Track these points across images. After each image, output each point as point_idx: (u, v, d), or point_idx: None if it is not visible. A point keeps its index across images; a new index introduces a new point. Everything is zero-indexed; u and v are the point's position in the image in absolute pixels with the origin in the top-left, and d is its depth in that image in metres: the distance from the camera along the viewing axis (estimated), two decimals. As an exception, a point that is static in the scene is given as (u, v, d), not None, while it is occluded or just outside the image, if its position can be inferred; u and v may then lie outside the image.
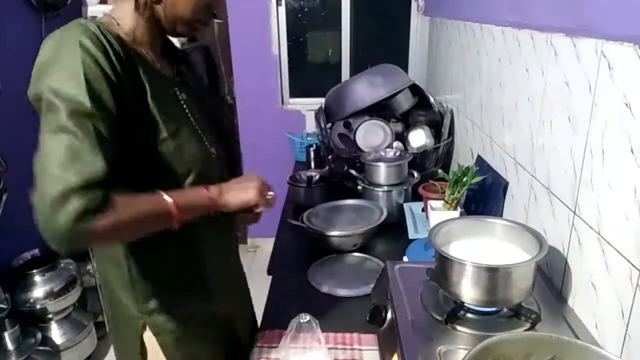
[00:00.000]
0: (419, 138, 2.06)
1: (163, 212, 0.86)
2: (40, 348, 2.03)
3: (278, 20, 3.12)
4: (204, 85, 1.21)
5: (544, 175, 1.20)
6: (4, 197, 1.96)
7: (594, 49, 0.96)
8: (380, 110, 2.23)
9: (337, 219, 1.64)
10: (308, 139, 2.65)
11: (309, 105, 3.12)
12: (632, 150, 0.84)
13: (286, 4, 3.12)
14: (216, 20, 3.05)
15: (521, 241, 1.03)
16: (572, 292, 1.05)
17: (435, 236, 1.03)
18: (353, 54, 3.21)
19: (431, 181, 1.70)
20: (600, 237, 0.94)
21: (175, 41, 1.15)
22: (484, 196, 1.57)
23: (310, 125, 3.01)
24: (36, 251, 2.23)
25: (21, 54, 2.32)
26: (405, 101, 2.20)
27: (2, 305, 1.91)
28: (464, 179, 1.48)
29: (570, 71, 1.06)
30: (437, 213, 1.50)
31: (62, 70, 0.79)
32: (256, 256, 3.28)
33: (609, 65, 0.91)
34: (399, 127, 2.17)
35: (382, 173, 1.76)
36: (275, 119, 3.23)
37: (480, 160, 1.70)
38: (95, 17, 0.95)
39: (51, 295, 2.12)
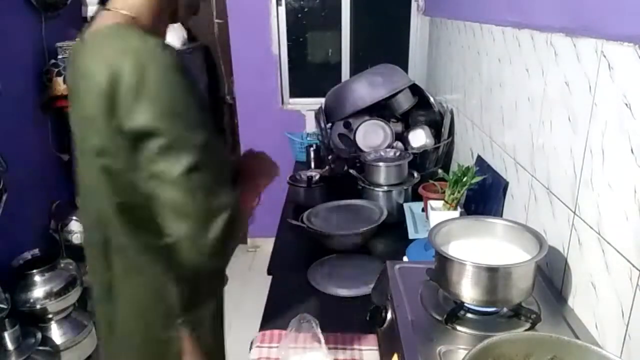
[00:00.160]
0: (419, 138, 2.06)
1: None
2: (40, 348, 2.03)
3: (278, 20, 3.12)
4: (202, 84, 1.22)
5: (544, 175, 1.20)
6: (4, 197, 1.96)
7: (594, 49, 0.96)
8: (380, 110, 2.23)
9: (337, 219, 1.64)
10: (308, 139, 2.65)
11: (309, 105, 3.12)
12: (632, 150, 0.84)
13: (286, 4, 3.12)
14: (216, 20, 3.06)
15: (521, 241, 1.03)
16: (572, 292, 1.05)
17: (435, 236, 1.03)
18: (353, 54, 3.21)
19: (431, 181, 1.70)
20: (600, 237, 0.94)
21: (176, 41, 1.15)
22: (484, 196, 1.57)
23: (310, 125, 3.00)
24: (36, 251, 2.23)
25: (21, 54, 2.33)
26: (405, 101, 2.20)
27: (2, 305, 1.91)
28: (464, 179, 1.48)
29: (570, 71, 1.06)
30: (437, 213, 1.50)
31: None
32: (256, 256, 3.28)
33: (609, 65, 0.91)
34: (399, 127, 2.17)
35: (382, 173, 1.76)
36: (275, 119, 3.23)
37: (480, 160, 1.70)
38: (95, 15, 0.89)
39: (51, 295, 2.12)
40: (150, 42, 0.78)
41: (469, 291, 0.93)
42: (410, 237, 1.57)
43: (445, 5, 2.38)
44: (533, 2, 1.30)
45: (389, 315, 1.02)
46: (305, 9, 3.20)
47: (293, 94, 3.31)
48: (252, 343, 1.18)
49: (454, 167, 2.05)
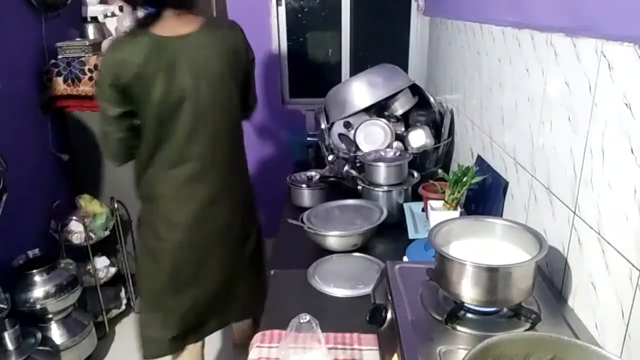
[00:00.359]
0: (419, 138, 2.06)
1: None
2: (40, 348, 2.03)
3: (278, 20, 3.11)
4: None
5: (544, 175, 1.20)
6: (4, 197, 1.96)
7: (594, 49, 0.96)
8: (380, 110, 2.23)
9: (337, 219, 1.64)
10: (308, 139, 2.65)
11: (309, 105, 3.12)
12: (632, 150, 0.84)
13: (286, 4, 3.11)
14: (216, 20, 3.06)
15: (521, 241, 1.03)
16: (572, 292, 1.05)
17: (435, 236, 1.03)
18: (353, 54, 3.21)
19: (431, 181, 1.70)
20: (600, 237, 0.94)
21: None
22: (484, 196, 1.57)
23: (310, 125, 3.00)
24: (36, 251, 2.23)
25: (21, 54, 2.33)
26: (405, 101, 2.20)
27: (2, 305, 1.91)
28: (464, 179, 1.48)
29: (570, 71, 1.06)
30: (437, 213, 1.50)
31: None
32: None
33: (609, 65, 0.91)
34: (399, 127, 2.17)
35: (382, 173, 1.76)
36: (275, 118, 3.23)
37: (480, 160, 1.70)
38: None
39: (51, 295, 2.12)
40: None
41: (469, 291, 0.93)
42: (410, 237, 1.57)
43: (445, 5, 2.38)
44: (533, 2, 1.30)
45: (389, 315, 1.02)
46: (305, 9, 3.19)
47: (293, 94, 3.31)
48: (252, 343, 1.18)
49: (454, 167, 2.06)
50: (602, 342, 0.93)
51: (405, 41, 3.18)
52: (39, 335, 2.05)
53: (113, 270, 2.62)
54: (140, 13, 1.54)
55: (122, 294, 2.68)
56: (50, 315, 2.18)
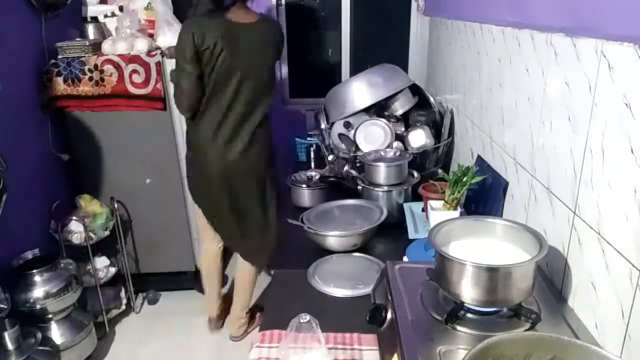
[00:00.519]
0: (419, 138, 2.06)
1: None
2: (40, 348, 2.03)
3: (278, 20, 3.12)
4: None
5: (544, 175, 1.20)
6: (4, 197, 1.96)
7: (594, 49, 0.96)
8: (380, 110, 2.23)
9: (337, 219, 1.64)
10: (308, 139, 2.65)
11: (309, 105, 3.12)
12: (632, 150, 0.84)
13: (286, 4, 3.12)
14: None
15: (521, 241, 1.03)
16: (572, 292, 1.05)
17: (435, 236, 1.03)
18: (353, 54, 3.21)
19: (431, 181, 1.70)
20: (600, 237, 0.94)
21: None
22: (484, 196, 1.57)
23: (310, 125, 3.00)
24: (36, 251, 2.23)
25: (21, 54, 2.32)
26: (405, 101, 2.20)
27: (2, 305, 1.90)
28: (464, 179, 1.48)
29: (570, 71, 1.06)
30: (437, 213, 1.50)
31: None
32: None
33: (609, 65, 0.91)
34: (399, 127, 2.17)
35: (382, 173, 1.76)
36: (276, 118, 3.22)
37: (480, 160, 1.70)
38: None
39: (51, 295, 2.12)
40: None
41: (469, 291, 0.93)
42: (410, 237, 1.57)
43: (445, 5, 2.38)
44: (533, 2, 1.30)
45: (389, 315, 1.02)
46: (306, 9, 3.20)
47: (293, 94, 3.31)
48: (252, 343, 1.18)
49: (454, 167, 2.06)
50: (602, 342, 0.93)
51: (405, 41, 3.19)
52: (39, 335, 2.05)
53: (113, 270, 2.62)
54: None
55: (122, 294, 2.68)
56: (50, 315, 2.18)
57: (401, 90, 2.19)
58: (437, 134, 2.08)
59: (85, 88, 2.42)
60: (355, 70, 3.09)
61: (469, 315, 0.96)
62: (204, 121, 2.07)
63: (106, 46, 2.44)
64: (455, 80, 2.13)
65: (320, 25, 3.27)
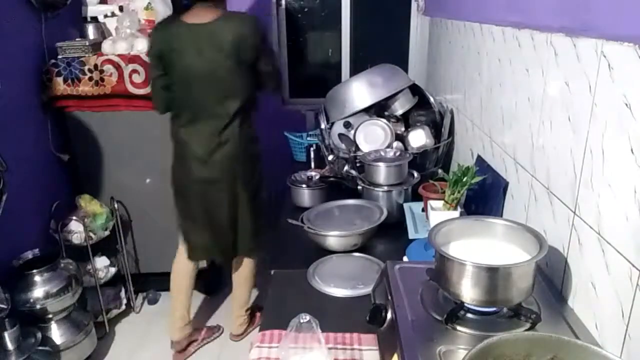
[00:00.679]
0: (419, 138, 2.06)
1: None
2: (40, 348, 2.03)
3: (278, 20, 3.12)
4: None
5: (544, 175, 1.20)
6: (4, 197, 1.96)
7: (594, 49, 0.96)
8: (380, 110, 2.23)
9: (337, 219, 1.64)
10: (308, 139, 2.65)
11: (309, 105, 3.12)
12: (632, 150, 0.84)
13: (286, 4, 3.12)
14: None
15: (521, 241, 1.03)
16: (572, 292, 1.05)
17: (435, 236, 1.03)
18: (353, 54, 3.21)
19: (431, 181, 1.70)
20: (600, 237, 0.94)
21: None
22: (484, 196, 1.57)
23: (310, 125, 3.00)
24: (36, 251, 2.23)
25: (21, 54, 2.33)
26: (405, 101, 2.20)
27: (2, 305, 1.90)
28: (464, 179, 1.48)
29: (570, 71, 1.06)
30: (437, 213, 1.50)
31: None
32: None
33: (609, 65, 0.91)
34: (399, 127, 2.17)
35: (382, 173, 1.76)
36: (276, 118, 3.23)
37: (480, 160, 1.70)
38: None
39: (51, 295, 2.12)
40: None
41: (469, 291, 0.93)
42: (410, 237, 1.57)
43: (445, 5, 2.38)
44: (533, 2, 1.30)
45: (389, 315, 1.02)
46: (305, 9, 3.20)
47: (293, 94, 3.31)
48: (252, 343, 1.18)
49: (454, 167, 2.05)
50: (602, 342, 0.93)
51: (405, 41, 3.19)
52: (39, 335, 2.05)
53: (113, 270, 2.62)
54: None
55: (122, 294, 2.68)
56: (50, 315, 2.18)
57: (401, 90, 2.19)
58: (437, 134, 2.08)
59: (85, 88, 2.42)
60: (355, 70, 3.09)
61: (469, 315, 0.96)
62: (178, 123, 2.10)
63: (106, 46, 2.44)
64: (455, 80, 2.13)
65: (320, 25, 3.27)
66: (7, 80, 2.15)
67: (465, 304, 0.95)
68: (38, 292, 2.11)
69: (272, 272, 1.47)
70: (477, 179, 1.49)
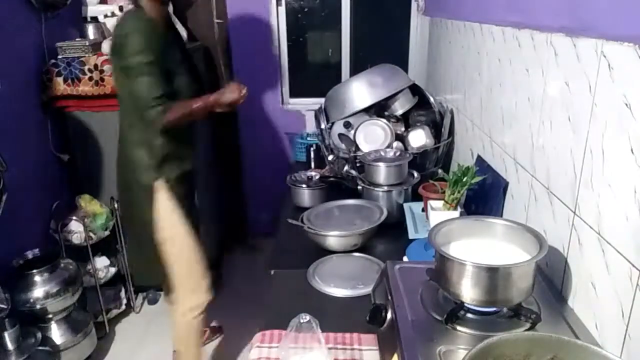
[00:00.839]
0: (419, 138, 2.06)
1: (202, 108, 1.74)
2: (40, 348, 2.03)
3: (278, 20, 3.12)
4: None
5: (544, 175, 1.20)
6: (4, 197, 1.96)
7: (594, 49, 0.96)
8: (380, 110, 2.23)
9: (337, 219, 1.64)
10: (308, 139, 2.65)
11: (309, 105, 3.12)
12: (632, 150, 0.84)
13: (286, 4, 3.12)
14: (216, 20, 3.06)
15: (521, 241, 1.03)
16: (572, 292, 1.05)
17: (435, 236, 1.03)
18: (353, 54, 3.21)
19: (431, 181, 1.70)
20: (600, 237, 0.94)
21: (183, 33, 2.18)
22: (484, 196, 1.57)
23: (310, 125, 3.00)
24: (36, 251, 2.23)
25: (21, 54, 2.32)
26: (405, 101, 2.20)
27: (2, 305, 1.91)
28: (464, 179, 1.48)
29: (570, 71, 1.06)
30: (437, 213, 1.50)
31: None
32: (256, 256, 3.28)
33: (609, 65, 0.91)
34: (399, 127, 2.17)
35: (382, 173, 1.76)
36: (275, 119, 3.23)
37: (480, 160, 1.70)
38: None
39: (51, 295, 2.12)
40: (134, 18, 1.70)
41: (469, 291, 0.93)
42: (410, 237, 1.57)
43: (445, 5, 2.38)
44: (533, 2, 1.30)
45: (389, 315, 1.02)
46: (305, 9, 3.20)
47: (293, 94, 3.31)
48: (252, 343, 1.18)
49: (454, 167, 2.05)
50: (602, 342, 0.93)
51: (405, 41, 3.18)
52: (39, 335, 2.05)
53: (113, 270, 2.62)
54: None
55: (122, 294, 2.68)
56: (50, 315, 2.18)
57: (401, 90, 2.19)
58: (437, 134, 2.08)
59: (85, 88, 2.42)
60: (355, 70, 3.09)
61: (469, 315, 0.96)
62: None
63: (106, 46, 2.44)
64: (455, 80, 2.13)
65: (320, 25, 3.27)
66: (7, 80, 2.15)
67: (465, 304, 0.95)
68: (38, 292, 2.11)
69: (272, 272, 1.47)
70: (477, 179, 1.49)
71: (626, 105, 0.85)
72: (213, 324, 2.60)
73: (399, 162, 1.79)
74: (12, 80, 2.21)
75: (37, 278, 2.12)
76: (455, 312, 0.94)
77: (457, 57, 2.11)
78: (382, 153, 1.89)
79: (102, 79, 2.40)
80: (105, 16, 2.65)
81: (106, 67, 2.38)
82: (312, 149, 2.35)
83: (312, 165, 2.31)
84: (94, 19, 2.63)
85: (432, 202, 1.55)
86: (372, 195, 1.75)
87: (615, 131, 0.89)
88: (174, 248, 1.85)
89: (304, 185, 1.94)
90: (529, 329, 0.92)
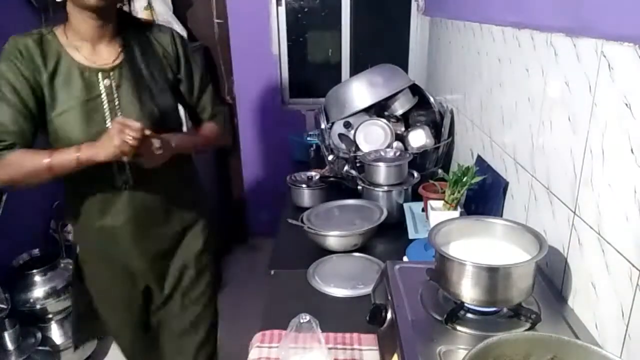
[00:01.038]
0: (419, 138, 2.06)
1: (41, 169, 1.20)
2: (40, 348, 2.03)
3: (278, 20, 3.12)
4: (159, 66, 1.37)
5: (544, 175, 1.20)
6: (4, 197, 1.96)
7: (594, 49, 0.96)
8: (380, 110, 2.23)
9: (337, 219, 1.64)
10: (308, 139, 2.65)
11: (309, 105, 3.12)
12: (632, 150, 0.84)
13: (286, 4, 3.12)
14: (216, 20, 3.06)
15: (521, 241, 1.03)
16: (572, 292, 1.05)
17: (435, 236, 1.03)
18: (353, 54, 3.21)
19: (431, 181, 1.70)
20: (600, 237, 0.94)
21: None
22: (484, 196, 1.57)
23: (310, 125, 3.00)
24: (36, 251, 2.23)
25: (21, 54, 2.32)
26: (405, 101, 2.20)
27: (2, 305, 1.91)
28: (464, 179, 1.48)
29: (570, 71, 1.06)
30: (437, 213, 1.50)
31: None
32: (256, 256, 3.28)
33: (609, 65, 0.91)
34: (399, 127, 2.17)
35: (382, 173, 1.76)
36: (275, 119, 3.23)
37: (480, 160, 1.70)
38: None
39: (51, 295, 2.12)
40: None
41: (469, 291, 0.93)
42: (410, 237, 1.57)
43: (445, 5, 2.38)
44: (533, 2, 1.30)
45: (389, 315, 1.02)
46: (305, 9, 3.20)
47: (293, 94, 3.31)
48: (252, 343, 1.18)
49: (454, 167, 2.05)
50: (602, 342, 0.93)
51: (405, 41, 3.18)
52: (39, 335, 2.05)
53: (113, 270, 2.62)
54: None
55: (122, 294, 2.68)
56: (50, 315, 2.18)
57: (401, 90, 2.19)
58: (437, 134, 2.08)
59: (85, 88, 2.41)
60: (355, 70, 3.09)
61: (469, 315, 0.96)
62: None
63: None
64: (455, 80, 2.13)
65: (320, 25, 3.27)
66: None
67: (465, 304, 0.95)
68: (38, 292, 2.11)
69: (272, 272, 1.47)
70: (477, 179, 1.49)
71: (626, 105, 0.85)
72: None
73: (399, 162, 1.79)
74: (12, 80, 2.21)
75: (37, 278, 2.12)
76: (455, 312, 0.94)
77: (457, 57, 2.10)
78: (382, 153, 1.89)
79: (102, 79, 2.40)
80: (105, 16, 2.65)
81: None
82: (312, 149, 2.34)
83: (312, 165, 2.30)
84: (94, 19, 2.63)
85: (432, 202, 1.55)
86: (372, 195, 1.75)
87: (615, 131, 0.89)
88: None
89: (304, 185, 1.94)
90: (529, 329, 0.92)
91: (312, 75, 3.35)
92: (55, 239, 2.39)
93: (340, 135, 2.15)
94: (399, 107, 2.20)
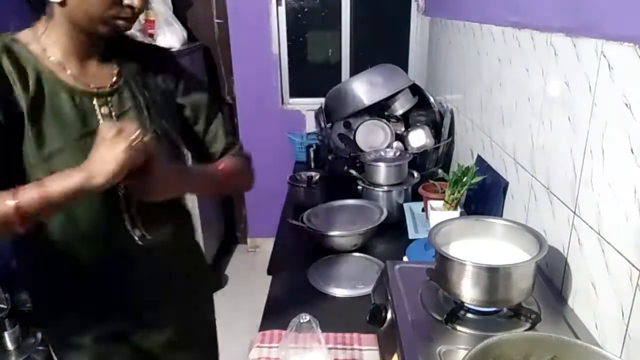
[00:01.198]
0: (419, 138, 2.06)
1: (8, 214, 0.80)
2: (40, 348, 2.03)
3: (278, 20, 3.12)
4: (169, 89, 1.09)
5: (544, 175, 1.20)
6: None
7: (594, 49, 0.96)
8: (380, 110, 2.23)
9: (337, 219, 1.64)
10: (308, 139, 2.65)
11: (309, 105, 3.12)
12: (632, 150, 0.84)
13: (286, 4, 3.11)
14: (216, 20, 3.06)
15: (521, 241, 1.03)
16: (572, 292, 1.05)
17: (435, 236, 1.03)
18: (353, 54, 3.21)
19: (431, 181, 1.70)
20: (600, 237, 0.94)
21: (176, 42, 1.14)
22: (484, 196, 1.57)
23: (310, 125, 3.00)
24: (36, 251, 2.23)
25: (21, 54, 2.33)
26: (405, 101, 2.20)
27: (2, 305, 1.91)
28: (464, 179, 1.48)
29: (570, 71, 1.06)
30: (437, 213, 1.50)
31: None
32: (256, 256, 3.28)
33: (609, 65, 0.91)
34: (399, 127, 2.17)
35: (382, 173, 1.76)
36: (275, 119, 3.23)
37: (480, 160, 1.70)
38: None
39: (51, 295, 2.12)
40: None
41: (469, 291, 0.93)
42: (410, 237, 1.57)
43: (445, 5, 2.38)
44: (533, 2, 1.30)
45: (389, 315, 1.02)
46: (305, 9, 3.19)
47: (293, 94, 3.31)
48: (252, 343, 1.18)
49: (454, 167, 2.05)
50: (602, 342, 0.93)
51: (405, 41, 3.18)
52: (39, 335, 2.05)
53: (113, 270, 2.61)
54: None
55: (122, 294, 2.68)
56: (50, 315, 2.18)
57: (401, 90, 2.19)
58: (437, 134, 2.08)
59: (85, 88, 2.41)
60: (355, 70, 3.09)
61: (469, 315, 0.96)
62: None
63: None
64: (455, 80, 2.13)
65: (320, 25, 3.26)
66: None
67: (465, 304, 0.95)
68: (38, 292, 2.11)
69: (272, 272, 1.47)
70: (477, 179, 1.49)
71: (626, 105, 0.85)
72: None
73: (399, 162, 1.79)
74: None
75: (37, 278, 2.12)
76: (455, 312, 0.94)
77: (457, 57, 2.11)
78: (382, 153, 1.89)
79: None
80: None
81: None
82: (312, 149, 2.34)
83: (312, 165, 2.30)
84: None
85: (432, 202, 1.55)
86: (372, 195, 1.75)
87: (615, 131, 0.89)
88: None
89: (304, 185, 1.94)
90: (529, 329, 0.92)
91: (312, 75, 3.35)
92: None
93: (340, 135, 2.16)
94: (399, 107, 2.20)
